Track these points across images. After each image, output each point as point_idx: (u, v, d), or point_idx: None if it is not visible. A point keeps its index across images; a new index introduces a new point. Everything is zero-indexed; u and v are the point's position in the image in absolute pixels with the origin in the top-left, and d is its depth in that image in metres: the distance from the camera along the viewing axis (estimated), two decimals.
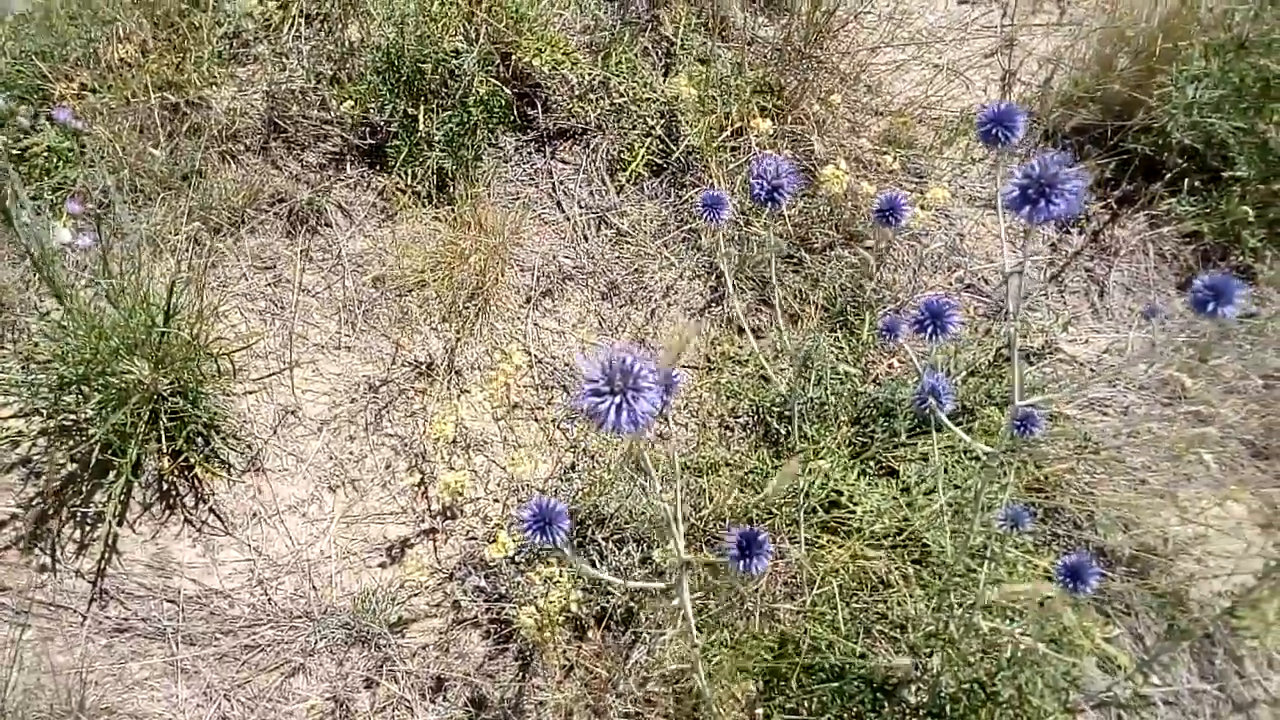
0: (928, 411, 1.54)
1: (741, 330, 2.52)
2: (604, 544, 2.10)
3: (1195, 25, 2.65)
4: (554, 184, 2.78)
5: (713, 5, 3.08)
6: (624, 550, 2.08)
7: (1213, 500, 2.18)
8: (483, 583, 2.08)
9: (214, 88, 2.77)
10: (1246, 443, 2.32)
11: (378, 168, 2.74)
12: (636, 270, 2.62)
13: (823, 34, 2.93)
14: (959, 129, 2.81)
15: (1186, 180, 2.70)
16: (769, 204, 1.37)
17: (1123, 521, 2.15)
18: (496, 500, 2.25)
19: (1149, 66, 2.65)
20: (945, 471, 2.05)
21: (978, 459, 2.15)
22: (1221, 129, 2.60)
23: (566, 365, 2.48)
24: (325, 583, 2.13)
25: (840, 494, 2.05)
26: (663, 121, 2.82)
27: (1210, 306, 1.11)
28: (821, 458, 2.04)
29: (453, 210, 2.65)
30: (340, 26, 2.80)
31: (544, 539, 1.08)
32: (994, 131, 1.21)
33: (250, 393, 2.36)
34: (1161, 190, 2.71)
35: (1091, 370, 2.50)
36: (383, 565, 2.16)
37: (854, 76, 2.93)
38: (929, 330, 1.28)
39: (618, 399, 0.90)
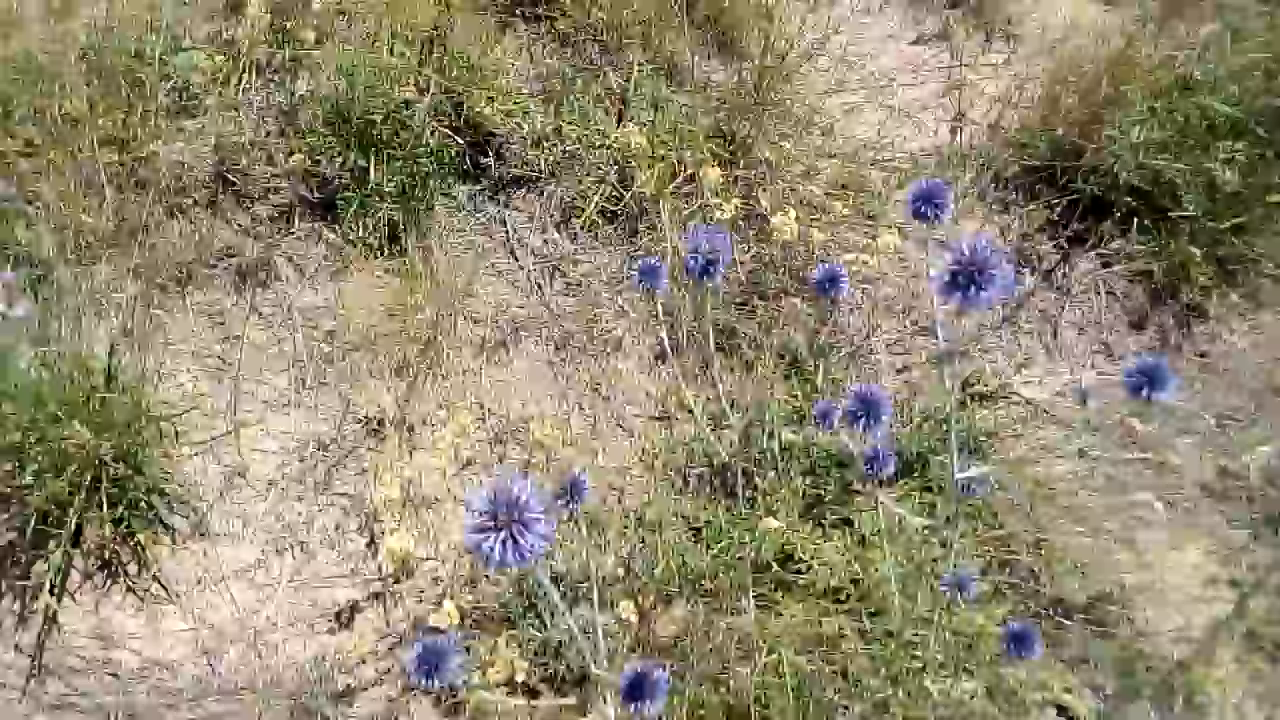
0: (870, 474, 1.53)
1: (704, 371, 2.50)
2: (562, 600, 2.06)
3: (1139, 67, 2.68)
4: (508, 233, 2.76)
5: (667, 50, 3.09)
6: (576, 610, 2.05)
7: (1168, 545, 2.18)
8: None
9: (161, 142, 2.74)
10: (1201, 484, 2.32)
11: (329, 220, 2.72)
12: (590, 320, 2.61)
13: (775, 78, 2.95)
14: (911, 172, 2.82)
15: (1136, 219, 2.72)
16: (703, 278, 1.36)
17: (1079, 568, 2.14)
18: (447, 561, 2.22)
19: (1094, 108, 2.68)
20: (898, 525, 2.04)
21: (933, 506, 2.15)
22: (1169, 169, 2.63)
23: (520, 419, 2.46)
24: (271, 651, 2.08)
25: (793, 548, 2.03)
26: (616, 168, 2.81)
27: (1144, 391, 1.10)
28: (774, 512, 2.02)
29: (404, 262, 2.62)
30: (290, 79, 2.78)
31: (430, 682, 1.02)
32: (923, 209, 1.20)
33: (197, 454, 2.32)
34: (1112, 229, 2.74)
35: (1046, 412, 2.50)
36: (331, 631, 2.12)
37: (807, 120, 2.94)
38: (862, 423, 1.27)
39: (503, 534, 0.86)
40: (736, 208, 2.38)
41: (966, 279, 1.03)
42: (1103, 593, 2.11)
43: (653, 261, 1.46)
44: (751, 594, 1.82)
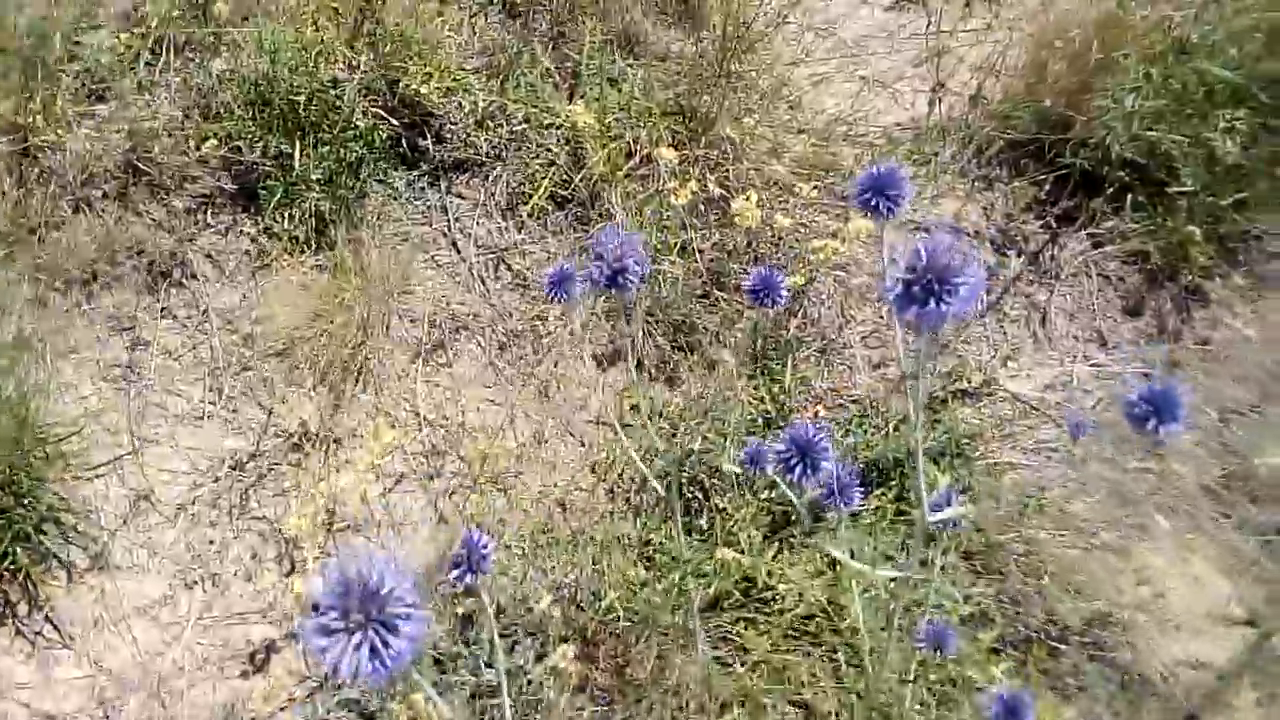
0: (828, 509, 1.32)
1: (661, 370, 2.29)
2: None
3: (1132, 30, 2.46)
4: (449, 221, 2.53)
5: (623, 20, 2.85)
6: (515, 649, 1.84)
7: (1171, 557, 1.98)
8: (356, 693, 1.82)
9: (67, 129, 2.49)
10: (1204, 488, 2.12)
11: (251, 212, 2.48)
12: (538, 316, 2.39)
13: (739, 48, 2.71)
14: (886, 147, 2.60)
15: (1130, 195, 2.51)
16: (612, 290, 1.14)
17: (1073, 586, 1.94)
18: None
19: (1084, 76, 2.46)
20: (873, 540, 1.83)
21: (911, 526, 1.94)
22: (1165, 141, 2.41)
23: (460, 426, 2.24)
24: (177, 698, 1.86)
25: (756, 577, 1.82)
26: (567, 149, 2.58)
27: (1150, 424, 0.89)
28: (735, 535, 1.81)
29: (333, 256, 2.39)
30: (209, 58, 2.53)
31: None
32: (874, 201, 0.99)
33: (98, 477, 2.09)
34: (1104, 206, 2.52)
35: (1035, 409, 2.29)
36: (244, 674, 1.91)
37: (773, 93, 2.71)
38: (797, 471, 1.06)
39: (357, 637, 0.64)
40: (694, 191, 2.15)
41: (924, 290, 0.82)
42: (1100, 613, 1.91)
43: (564, 268, 1.24)
44: (703, 639, 1.61)
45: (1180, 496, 2.10)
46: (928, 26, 2.84)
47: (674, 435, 2.13)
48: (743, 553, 1.86)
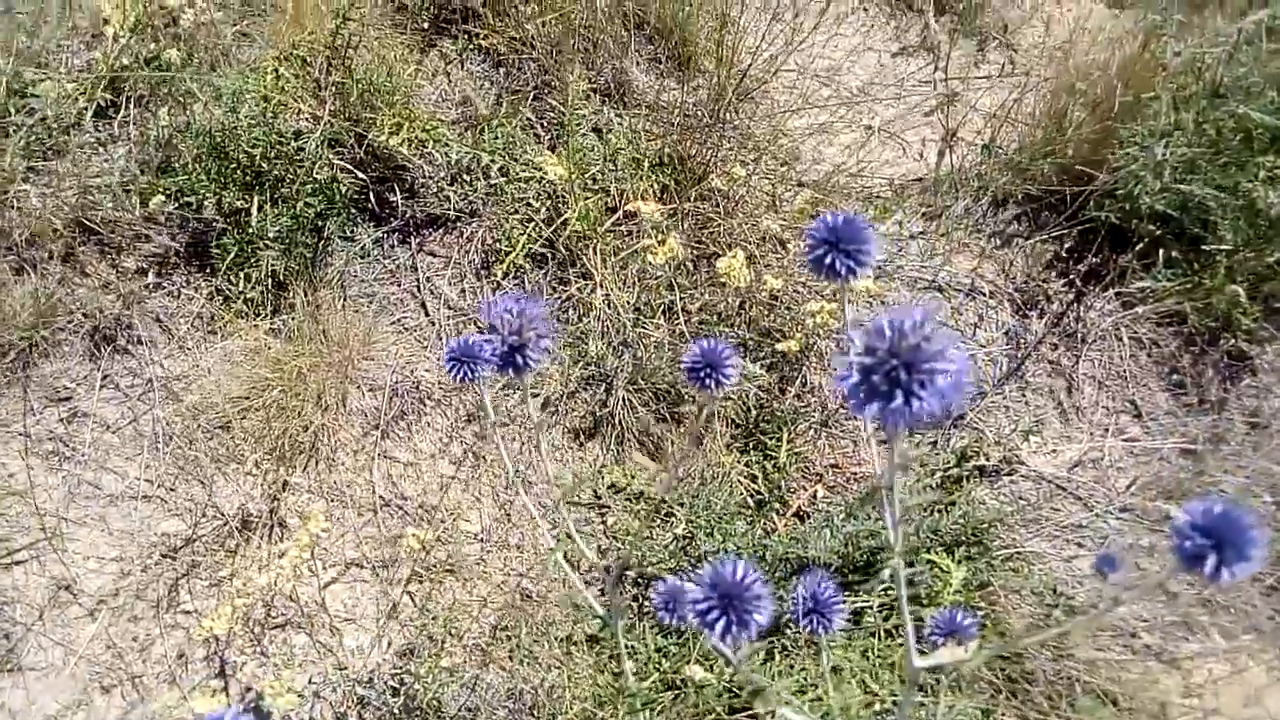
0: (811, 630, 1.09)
1: (644, 443, 2.07)
2: None
3: (1159, 73, 2.26)
4: (419, 281, 2.35)
5: (612, 68, 2.69)
6: None
7: (1222, 664, 1.72)
8: None
9: (14, 184, 2.34)
10: (1259, 583, 1.86)
11: (206, 272, 2.31)
12: (510, 384, 2.18)
13: (735, 97, 2.54)
14: (892, 200, 2.39)
15: (1162, 251, 2.28)
16: (510, 371, 0.93)
17: (1110, 697, 1.68)
18: (319, 695, 1.77)
19: (1108, 122, 2.25)
20: (872, 652, 1.59)
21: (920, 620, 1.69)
22: (1199, 192, 2.19)
23: (420, 506, 2.02)
24: None
25: (742, 689, 1.57)
26: (547, 204, 2.40)
27: (1210, 565, 0.66)
28: None
29: (290, 319, 2.21)
30: (166, 109, 2.39)
31: None
32: (831, 260, 0.78)
33: (17, 564, 1.89)
34: (1133, 264, 2.30)
35: (1062, 489, 2.05)
36: None
37: (770, 143, 2.53)
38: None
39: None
40: (674, 249, 1.96)
41: (889, 380, 0.61)
42: None
43: (468, 341, 1.03)
44: None
45: (1232, 594, 1.84)
46: (936, 72, 2.66)
47: (655, 518, 1.90)
48: (723, 664, 1.62)
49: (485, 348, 0.93)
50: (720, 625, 0.74)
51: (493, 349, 0.92)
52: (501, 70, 2.70)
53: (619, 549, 1.83)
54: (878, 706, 1.52)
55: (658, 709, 1.43)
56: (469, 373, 1.01)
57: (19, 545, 1.90)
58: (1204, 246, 2.21)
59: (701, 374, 0.94)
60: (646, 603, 1.81)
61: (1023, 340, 2.28)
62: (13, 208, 2.31)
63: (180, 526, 1.96)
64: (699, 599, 0.75)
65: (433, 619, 1.82)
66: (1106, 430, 2.14)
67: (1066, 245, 2.36)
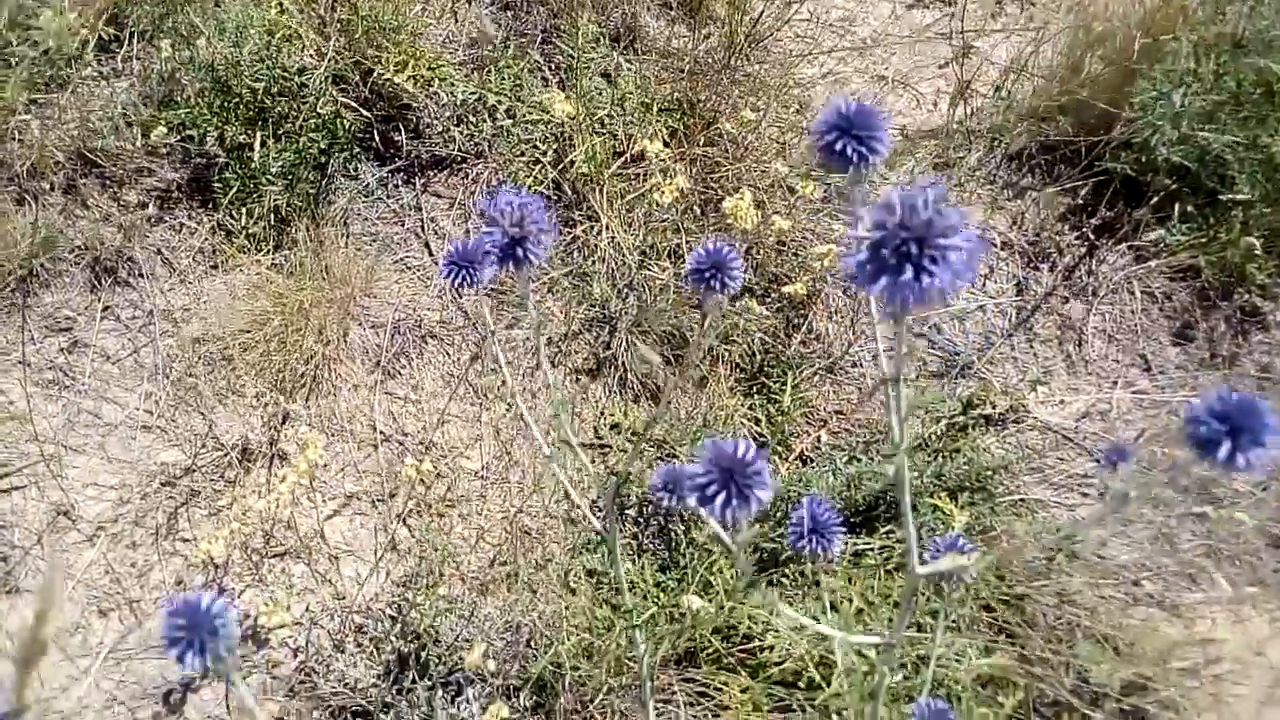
0: (808, 552, 1.08)
1: (637, 399, 2.05)
2: (438, 689, 1.61)
3: (1181, 21, 2.21)
4: (423, 221, 2.32)
5: (623, 13, 2.65)
6: (460, 699, 1.59)
7: (1225, 613, 1.70)
8: None
9: (15, 116, 2.32)
10: (1265, 534, 1.84)
11: (209, 207, 2.29)
12: (512, 325, 2.16)
13: (748, 44, 2.50)
14: (903, 148, 2.36)
15: (1177, 204, 2.25)
16: (511, 264, 0.91)
17: (1111, 643, 1.67)
18: (316, 623, 1.77)
19: (1126, 69, 2.21)
20: (877, 593, 1.58)
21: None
22: (1217, 144, 2.15)
23: (420, 444, 2.01)
24: None
25: (739, 621, 1.56)
26: (555, 146, 2.37)
27: (1224, 450, 0.65)
28: (712, 575, 1.56)
29: (292, 255, 2.19)
30: (163, 39, 2.35)
31: None
32: (842, 146, 0.76)
33: (15, 488, 1.89)
34: (1148, 216, 2.26)
35: (1068, 439, 2.03)
36: (156, 717, 1.67)
37: (781, 91, 2.49)
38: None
39: None
40: (681, 188, 1.93)
41: (898, 254, 0.58)
42: (1142, 678, 1.63)
43: (470, 243, 1.01)
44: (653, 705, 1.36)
45: (1237, 545, 1.82)
46: (953, 22, 2.61)
47: (657, 458, 1.89)
48: (726, 594, 1.61)
49: (485, 239, 0.90)
50: (720, 500, 0.72)
51: (492, 240, 0.90)
52: (509, 13, 2.66)
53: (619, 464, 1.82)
54: (877, 629, 1.50)
55: (657, 633, 1.42)
56: (468, 277, 0.99)
57: (17, 468, 1.89)
58: (1221, 198, 2.17)
59: (707, 275, 0.92)
60: (645, 539, 1.80)
61: (1033, 292, 2.26)
62: (14, 139, 2.29)
63: (180, 456, 1.95)
64: (699, 473, 0.73)
65: (432, 550, 1.81)
66: (1115, 383, 2.12)
67: (1080, 197, 2.32)
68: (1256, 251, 2.06)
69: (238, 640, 0.77)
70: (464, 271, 0.98)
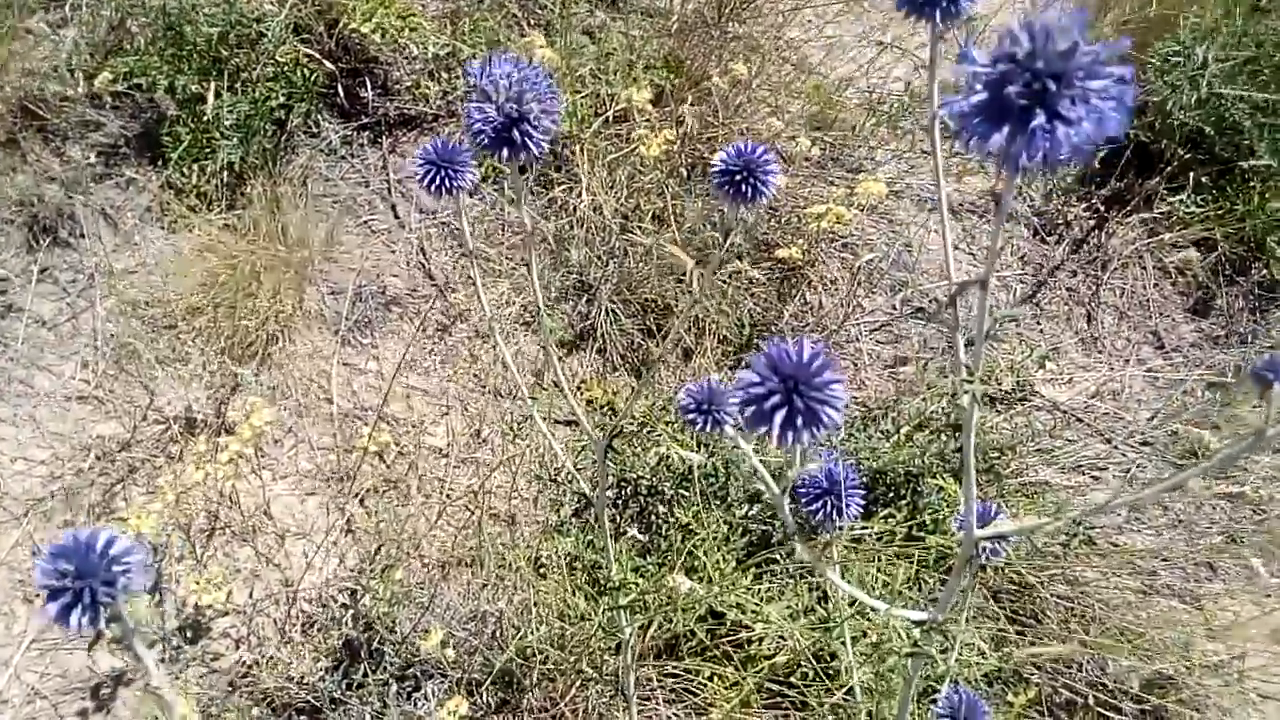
0: (820, 521, 0.94)
1: (616, 370, 1.91)
2: (391, 683, 1.46)
3: None
4: (389, 183, 2.17)
5: None
6: (418, 694, 1.44)
7: (1249, 605, 1.58)
8: None
9: None
10: None
11: (158, 164, 2.12)
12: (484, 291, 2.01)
13: (739, 4, 2.36)
14: (902, 109, 2.22)
15: (1191, 174, 2.12)
16: (506, 151, 0.76)
17: (1128, 638, 1.54)
18: (261, 612, 1.61)
19: (1143, 28, 2.08)
20: (873, 576, 1.44)
21: (920, 564, 1.54)
22: (1237, 109, 2.02)
23: (382, 419, 1.86)
24: None
25: (727, 609, 1.42)
26: None
27: None
28: (696, 558, 1.42)
29: (246, 215, 2.03)
30: None
31: None
32: (739, 181, 0.65)
33: None
34: (1160, 187, 2.14)
35: (1079, 419, 1.90)
36: (82, 714, 1.52)
37: (776, 52, 2.34)
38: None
39: None
40: (669, 139, 1.78)
41: (1029, 93, 0.45)
42: (1162, 675, 1.50)
43: (442, 144, 0.86)
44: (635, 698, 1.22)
45: (1261, 531, 1.70)
46: None
47: (638, 432, 1.75)
48: (709, 581, 1.47)
49: (474, 118, 0.75)
50: (780, 417, 0.57)
51: (485, 119, 0.75)
52: None
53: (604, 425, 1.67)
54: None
55: (641, 613, 1.28)
56: (447, 182, 0.84)
57: None
58: (1237, 168, 2.05)
59: (738, 179, 0.77)
60: (623, 523, 1.65)
61: (1040, 266, 2.12)
62: None
63: (118, 429, 1.79)
64: (753, 382, 0.58)
65: (389, 530, 1.66)
66: (1126, 360, 1.99)
67: (1088, 167, 2.19)
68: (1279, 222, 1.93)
69: (145, 593, 0.61)
70: (442, 174, 0.83)
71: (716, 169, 0.84)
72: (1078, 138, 0.45)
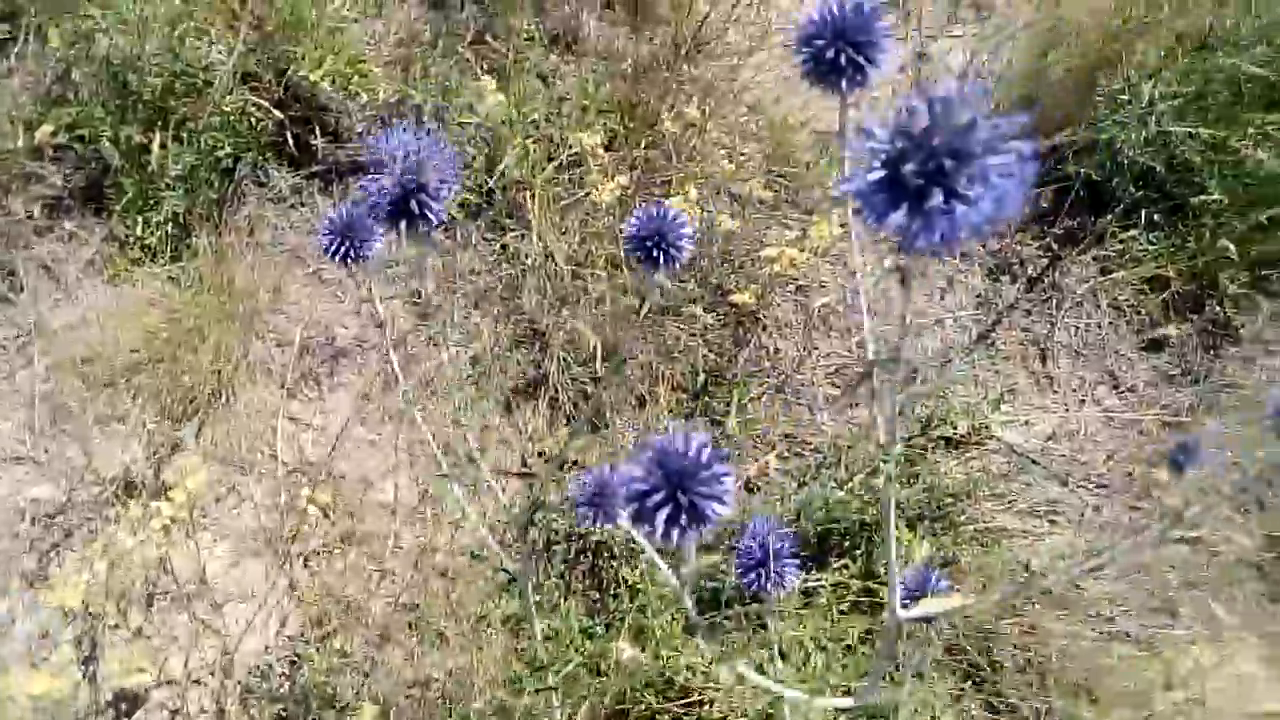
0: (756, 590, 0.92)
1: (569, 421, 1.88)
2: None
3: (1146, 18, 2.10)
4: None
5: (561, 14, 2.50)
6: None
7: (1208, 649, 1.55)
8: None
9: None
10: (1247, 561, 1.70)
11: (102, 216, 2.09)
12: (435, 341, 1.98)
13: (694, 47, 2.36)
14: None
15: (1144, 212, 2.12)
16: (405, 223, 0.74)
17: (1085, 688, 1.51)
18: (198, 682, 1.56)
19: (1089, 67, 2.09)
20: (819, 647, 1.41)
21: (880, 605, 1.52)
22: (1186, 147, 2.03)
23: (328, 475, 1.82)
24: None
25: (676, 671, 1.39)
26: (486, 150, 2.20)
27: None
28: (645, 618, 1.39)
29: (191, 267, 1.99)
30: (50, 28, 2.16)
31: None
32: (834, 55, 0.63)
33: None
34: (1113, 225, 2.14)
35: (1035, 463, 1.88)
36: None
37: (729, 94, 2.34)
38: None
39: None
40: (623, 185, 1.77)
41: (925, 173, 0.46)
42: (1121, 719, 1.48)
43: (347, 212, 0.84)
44: None
45: (1218, 574, 1.68)
46: (908, 27, 2.49)
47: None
48: (661, 642, 1.43)
49: (372, 190, 0.73)
50: (663, 516, 0.54)
51: (381, 191, 0.72)
52: (439, 11, 2.49)
53: (529, 490, 1.64)
54: (833, 680, 1.34)
55: (577, 690, 1.25)
56: (352, 252, 0.81)
57: None
58: (1191, 202, 2.05)
59: (649, 245, 0.75)
60: (574, 579, 1.62)
61: (994, 306, 2.12)
62: None
63: (53, 492, 1.74)
64: (636, 478, 0.56)
65: (329, 595, 1.62)
66: (1082, 401, 1.98)
67: (1041, 206, 2.19)
68: (1230, 254, 1.94)
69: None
70: (347, 245, 0.81)
71: (628, 234, 0.83)
72: (977, 217, 0.43)
